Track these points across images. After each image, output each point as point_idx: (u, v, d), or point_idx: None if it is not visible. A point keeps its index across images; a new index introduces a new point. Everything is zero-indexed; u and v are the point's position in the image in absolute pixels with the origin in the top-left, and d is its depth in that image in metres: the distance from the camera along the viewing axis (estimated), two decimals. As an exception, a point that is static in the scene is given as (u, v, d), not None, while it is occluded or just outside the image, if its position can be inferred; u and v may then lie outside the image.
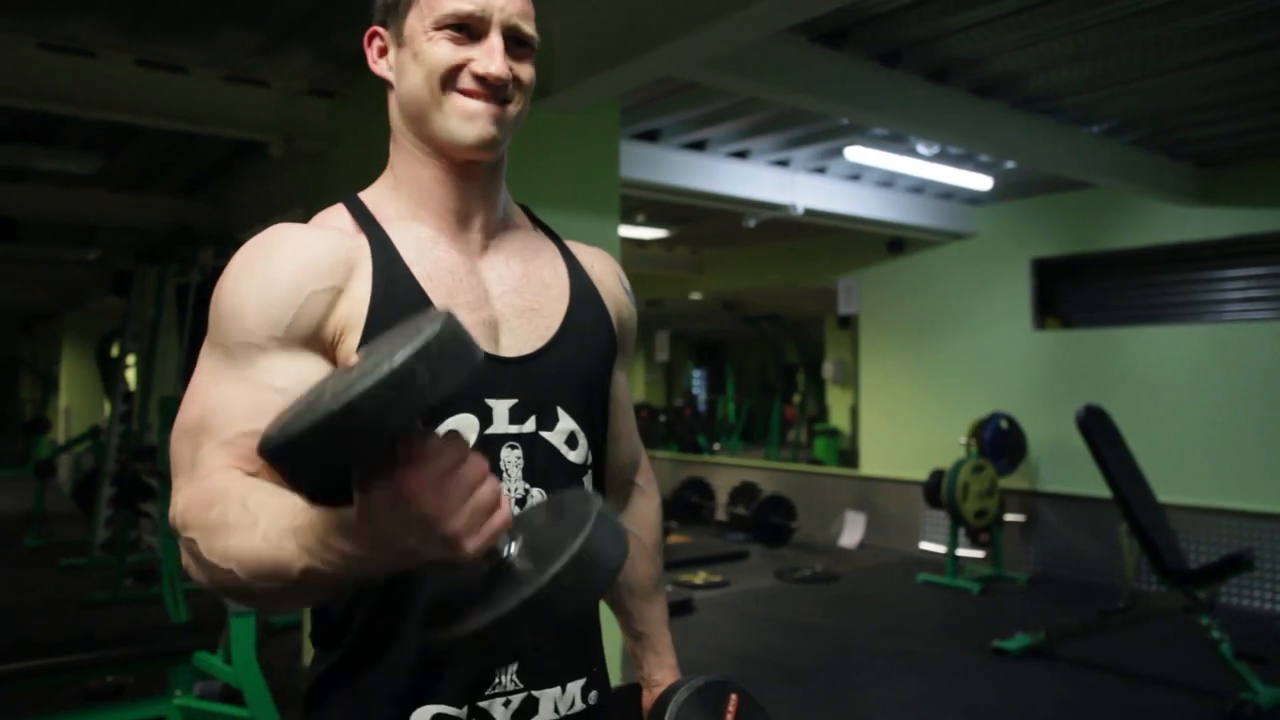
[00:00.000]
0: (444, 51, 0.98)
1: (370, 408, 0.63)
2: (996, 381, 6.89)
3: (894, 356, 7.74)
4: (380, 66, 1.06)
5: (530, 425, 1.02)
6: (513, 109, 1.01)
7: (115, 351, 7.71)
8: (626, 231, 7.30)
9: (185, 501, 0.86)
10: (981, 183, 5.83)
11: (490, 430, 0.99)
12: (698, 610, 5.54)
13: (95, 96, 3.81)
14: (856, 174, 6.12)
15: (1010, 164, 5.52)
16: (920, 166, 5.32)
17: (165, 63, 3.88)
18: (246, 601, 0.83)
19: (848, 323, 12.57)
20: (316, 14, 3.42)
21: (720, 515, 8.67)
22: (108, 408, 8.05)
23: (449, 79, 0.99)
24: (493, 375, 1.00)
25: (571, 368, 1.06)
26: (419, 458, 0.70)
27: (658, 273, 9.47)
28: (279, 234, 0.98)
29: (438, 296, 0.98)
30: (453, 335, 0.68)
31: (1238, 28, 3.66)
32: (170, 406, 4.38)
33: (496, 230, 1.08)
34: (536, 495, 1.02)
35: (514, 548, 0.77)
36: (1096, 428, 4.61)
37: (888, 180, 6.26)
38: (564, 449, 1.04)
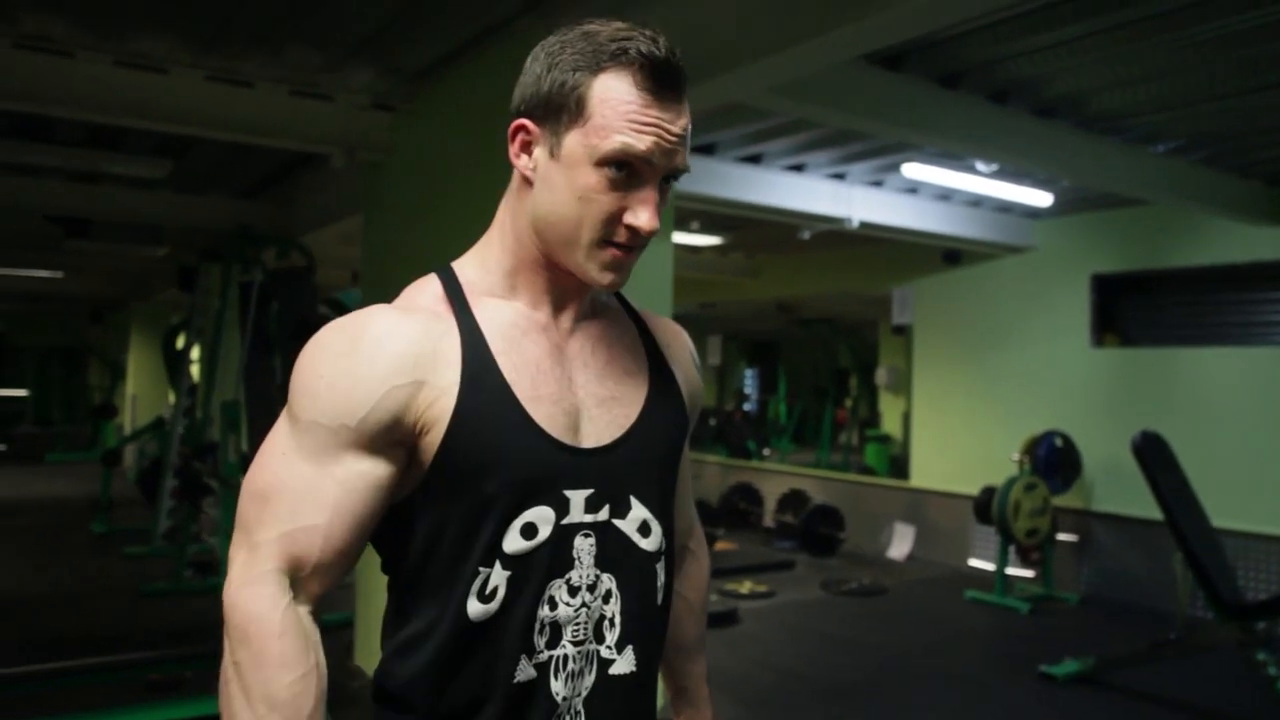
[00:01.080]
0: (606, 198, 0.97)
1: None
2: (1052, 398, 6.79)
3: (948, 368, 7.66)
4: (522, 162, 1.03)
5: (604, 514, 1.04)
6: (641, 251, 1.03)
7: (180, 344, 7.92)
8: (680, 238, 7.31)
9: (235, 599, 0.96)
10: (1042, 199, 5.74)
11: (566, 520, 1.02)
12: (742, 621, 5.56)
13: (165, 110, 3.92)
14: (913, 187, 6.06)
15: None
16: (979, 183, 5.26)
17: (233, 78, 3.99)
18: None
19: (902, 329, 12.48)
20: (381, 33, 3.50)
21: (768, 522, 8.67)
22: (172, 397, 8.29)
23: (603, 224, 0.98)
24: (572, 466, 1.02)
25: (646, 457, 1.08)
26: None
27: (711, 276, 9.47)
28: (367, 321, 1.00)
29: (521, 389, 1.01)
30: None
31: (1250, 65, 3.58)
32: (232, 411, 4.52)
33: (585, 313, 1.11)
34: (606, 580, 1.05)
35: None
36: (1152, 454, 4.53)
37: (945, 194, 6.19)
38: (636, 536, 1.07)
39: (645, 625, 1.09)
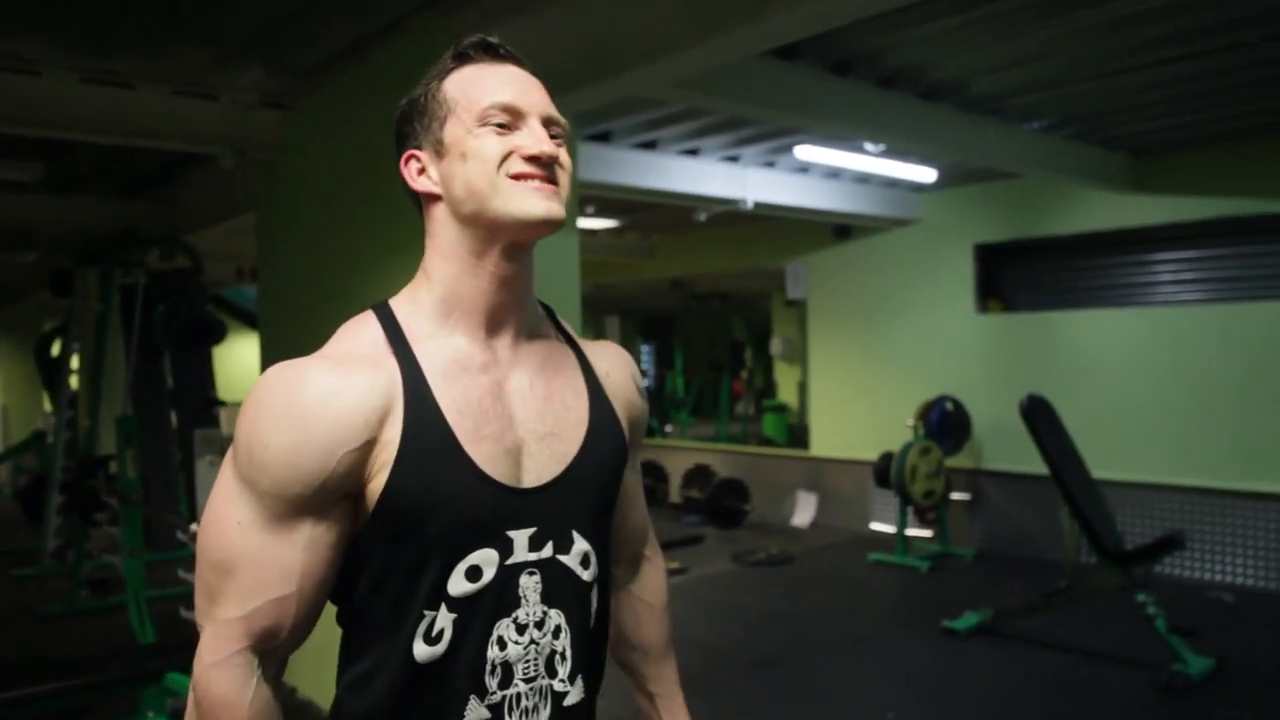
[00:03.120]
0: (493, 142, 1.02)
1: None
2: (942, 364, 7.10)
3: (842, 340, 7.91)
4: (422, 183, 1.07)
5: (548, 550, 1.06)
6: (563, 189, 1.05)
7: (56, 351, 7.55)
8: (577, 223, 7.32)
9: (207, 680, 0.98)
10: (926, 175, 5.97)
11: (510, 560, 1.03)
12: (659, 599, 5.66)
13: (39, 115, 3.74)
14: (804, 167, 6.22)
15: (953, 156, 5.67)
16: (868, 162, 5.44)
17: (111, 80, 3.82)
18: None
19: (794, 303, 12.79)
20: (272, 31, 3.40)
21: (674, 498, 8.82)
22: (48, 405, 7.89)
23: (502, 165, 1.02)
24: (513, 507, 1.03)
25: (587, 491, 1.10)
26: None
27: (607, 258, 9.51)
28: (310, 382, 0.98)
29: (463, 432, 1.01)
30: None
31: (1173, 39, 3.83)
32: (129, 426, 4.36)
33: (522, 338, 1.11)
34: (555, 616, 1.06)
35: None
36: (1038, 416, 4.81)
37: (834, 172, 6.38)
38: (578, 569, 1.09)
39: (591, 653, 1.12)
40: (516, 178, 1.02)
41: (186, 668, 3.38)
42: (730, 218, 7.35)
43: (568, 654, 1.07)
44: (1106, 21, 3.63)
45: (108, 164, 5.40)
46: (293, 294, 4.39)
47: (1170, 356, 5.98)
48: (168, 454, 6.23)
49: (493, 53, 1.08)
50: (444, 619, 1.00)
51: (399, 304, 1.09)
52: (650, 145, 5.46)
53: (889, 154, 5.49)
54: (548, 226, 1.03)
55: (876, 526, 7.51)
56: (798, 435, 10.63)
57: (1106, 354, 6.28)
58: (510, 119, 1.03)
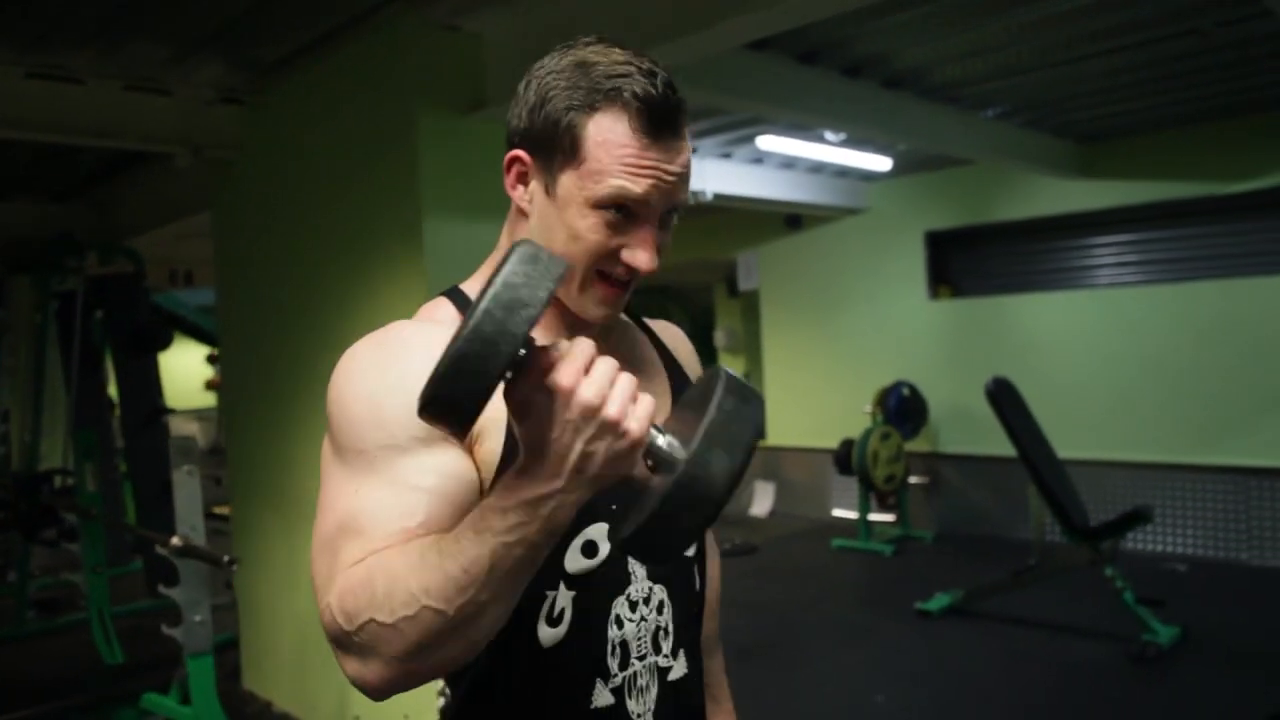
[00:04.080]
0: (601, 235, 0.95)
1: (492, 322, 0.70)
2: (896, 350, 7.20)
3: (797, 329, 7.98)
4: (518, 193, 1.02)
5: None
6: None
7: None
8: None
9: (338, 599, 0.83)
10: (881, 164, 6.04)
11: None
12: (631, 594, 5.64)
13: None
14: (760, 158, 6.24)
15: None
16: (827, 151, 5.48)
17: (58, 75, 3.64)
18: (445, 650, 0.81)
19: (736, 291, 12.85)
20: (233, 25, 3.28)
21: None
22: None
23: (598, 260, 0.96)
24: None
25: None
26: (557, 360, 0.75)
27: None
28: (401, 334, 0.96)
29: None
30: (535, 251, 0.74)
31: (1129, 27, 3.93)
32: (89, 439, 4.17)
33: (600, 330, 1.07)
34: (659, 592, 1.06)
35: (665, 440, 0.78)
36: (1004, 397, 4.91)
37: (789, 162, 6.41)
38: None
39: (692, 629, 1.13)
40: (601, 276, 0.98)
41: (161, 687, 3.27)
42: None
43: (670, 629, 1.08)
44: (1064, 11, 3.70)
45: (38, 165, 5.16)
46: (254, 295, 4.25)
47: (1120, 336, 6.15)
48: (112, 467, 5.99)
49: (662, 123, 0.95)
50: (563, 598, 0.99)
51: (471, 287, 1.07)
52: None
53: (847, 143, 5.54)
54: (597, 323, 1.03)
55: (837, 513, 7.59)
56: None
57: (1056, 335, 6.43)
58: (631, 212, 0.95)
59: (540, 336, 1.01)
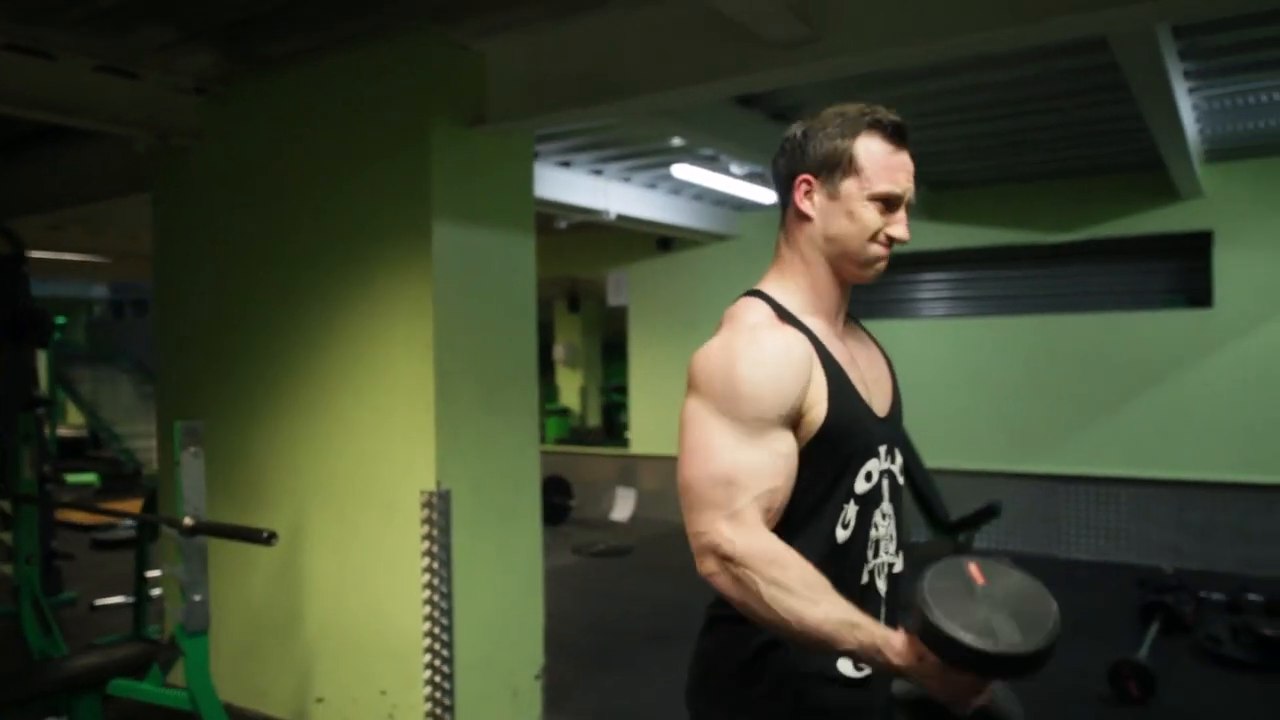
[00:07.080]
0: (876, 219, 1.42)
1: (1037, 658, 1.16)
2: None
3: (662, 344, 8.48)
4: (805, 205, 1.45)
5: (890, 462, 1.48)
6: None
7: None
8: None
9: (745, 545, 1.27)
10: (771, 195, 6.65)
11: (883, 467, 1.46)
12: (530, 590, 5.89)
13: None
14: (653, 183, 6.71)
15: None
16: (733, 184, 6.02)
17: (31, 48, 3.55)
18: (762, 625, 1.29)
19: (577, 307, 13.24)
20: (248, 20, 3.37)
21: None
22: None
23: (874, 237, 1.43)
24: (881, 430, 1.46)
25: (899, 421, 1.56)
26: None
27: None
28: (773, 336, 1.39)
29: (853, 376, 1.43)
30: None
31: (992, 103, 4.74)
32: (29, 424, 3.98)
33: (841, 319, 1.53)
34: (888, 507, 1.47)
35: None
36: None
37: (677, 188, 6.91)
38: (900, 475, 1.53)
39: (901, 537, 1.56)
40: (879, 244, 1.43)
41: (140, 673, 3.24)
42: (549, 229, 7.69)
43: (894, 535, 1.50)
44: (933, 90, 4.45)
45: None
46: (195, 285, 4.24)
47: (955, 361, 7.07)
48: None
49: (900, 138, 1.42)
50: (851, 511, 1.41)
51: (770, 290, 1.49)
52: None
53: (750, 177, 6.10)
54: (872, 280, 1.49)
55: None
56: (579, 437, 11.29)
57: (900, 359, 7.16)
58: (890, 202, 1.41)
59: (822, 319, 1.48)
